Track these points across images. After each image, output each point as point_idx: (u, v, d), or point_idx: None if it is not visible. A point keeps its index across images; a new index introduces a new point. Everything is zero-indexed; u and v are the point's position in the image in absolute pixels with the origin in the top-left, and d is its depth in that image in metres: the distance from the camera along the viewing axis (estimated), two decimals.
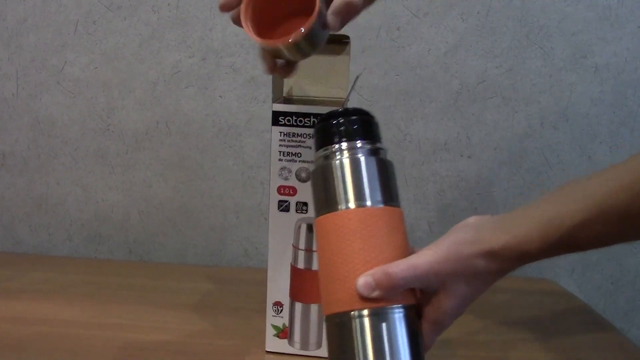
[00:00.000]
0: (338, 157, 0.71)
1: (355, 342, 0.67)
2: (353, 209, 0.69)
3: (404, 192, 1.36)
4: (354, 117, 0.72)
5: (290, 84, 0.95)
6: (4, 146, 1.40)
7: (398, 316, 0.67)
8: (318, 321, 0.95)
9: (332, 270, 0.69)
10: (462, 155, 1.35)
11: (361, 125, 0.72)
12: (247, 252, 1.41)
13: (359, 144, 0.71)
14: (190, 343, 1.00)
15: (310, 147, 0.89)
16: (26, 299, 1.15)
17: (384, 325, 0.67)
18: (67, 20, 1.34)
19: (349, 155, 0.70)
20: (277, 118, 0.89)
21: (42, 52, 1.36)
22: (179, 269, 1.36)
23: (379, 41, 1.32)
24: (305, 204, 0.91)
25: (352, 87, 0.93)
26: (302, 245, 0.92)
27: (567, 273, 1.41)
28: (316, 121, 0.76)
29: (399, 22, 1.31)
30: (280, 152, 0.90)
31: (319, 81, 0.94)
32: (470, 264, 0.67)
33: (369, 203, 0.69)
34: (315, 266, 0.92)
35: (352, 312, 0.67)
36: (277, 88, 0.93)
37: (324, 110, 0.87)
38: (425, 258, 0.66)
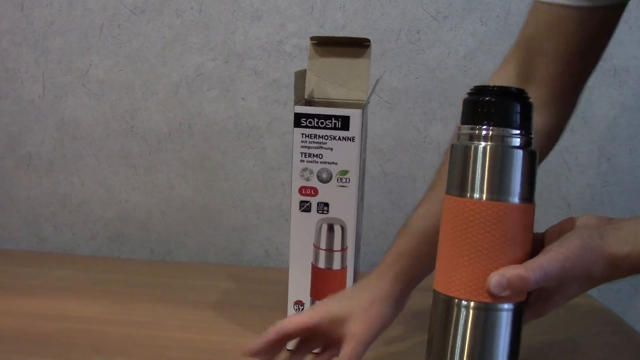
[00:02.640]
0: (484, 142, 0.66)
1: (457, 332, 0.67)
2: (489, 201, 0.66)
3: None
4: (511, 100, 0.67)
5: (312, 86, 0.97)
6: (30, 147, 1.43)
7: (506, 314, 0.67)
8: None
9: (452, 252, 0.68)
10: None
11: (516, 112, 0.67)
12: (268, 253, 1.43)
13: (509, 133, 0.66)
14: (211, 341, 1.02)
15: (331, 149, 0.90)
16: (50, 296, 1.17)
17: (490, 321, 0.67)
18: (93, 24, 1.36)
19: (496, 144, 0.66)
20: (299, 120, 0.91)
21: (67, 55, 1.38)
22: (200, 268, 1.38)
23: (399, 44, 1.33)
24: (327, 204, 0.92)
25: (373, 89, 0.95)
26: (323, 245, 0.93)
27: None
28: (470, 89, 0.70)
29: (418, 26, 1.32)
30: (302, 153, 0.91)
31: (340, 84, 0.96)
32: (591, 269, 0.67)
33: (506, 198, 0.66)
34: (335, 266, 0.94)
35: (462, 301, 0.67)
36: (299, 90, 0.95)
37: (344, 112, 0.89)
38: (556, 263, 0.65)
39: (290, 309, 0.97)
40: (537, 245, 0.70)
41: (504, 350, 0.67)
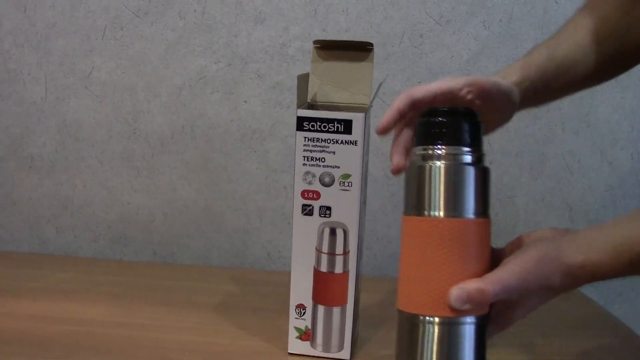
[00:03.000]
0: (437, 162, 0.69)
1: (424, 348, 0.69)
2: (444, 218, 0.68)
3: None
4: (460, 120, 0.70)
5: (315, 89, 0.97)
6: (32, 148, 1.43)
7: (469, 328, 0.68)
8: (340, 324, 0.96)
9: (413, 270, 0.70)
10: None
11: (466, 131, 0.70)
12: (270, 255, 1.43)
13: (461, 151, 0.69)
14: (213, 343, 1.02)
15: (334, 152, 0.90)
16: (52, 298, 1.17)
17: (454, 335, 0.69)
18: (95, 26, 1.36)
19: (448, 162, 0.69)
20: (301, 123, 0.91)
21: (70, 57, 1.38)
22: (202, 271, 1.38)
23: (401, 48, 1.33)
24: (329, 208, 0.92)
25: (376, 93, 0.95)
26: (325, 248, 0.93)
27: None
28: (422, 112, 0.73)
29: (421, 30, 1.32)
30: (304, 156, 0.91)
31: (342, 87, 0.96)
32: (550, 280, 0.68)
33: (462, 214, 0.68)
34: (337, 269, 0.94)
35: (425, 317, 0.69)
36: (301, 94, 0.95)
37: (347, 116, 0.89)
38: (514, 275, 0.67)
39: (292, 312, 0.97)
40: (497, 259, 0.72)
41: None
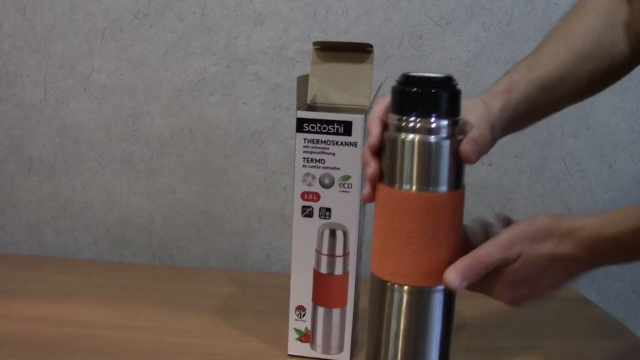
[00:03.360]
0: (412, 134, 0.68)
1: (392, 313, 0.70)
2: (416, 192, 0.68)
3: None
4: (436, 91, 0.67)
5: (314, 91, 0.97)
6: (31, 151, 1.43)
7: (438, 295, 0.70)
8: (340, 325, 0.96)
9: (384, 239, 0.70)
10: (482, 163, 1.36)
11: (442, 101, 0.68)
12: (269, 257, 1.42)
13: (435, 124, 0.67)
14: (213, 346, 1.02)
15: (333, 154, 0.90)
16: (52, 301, 1.17)
17: (423, 303, 0.70)
18: (95, 28, 1.36)
19: (422, 136, 0.67)
20: (301, 125, 0.91)
21: (69, 59, 1.38)
22: (202, 273, 1.38)
23: (401, 50, 1.33)
24: (329, 209, 0.92)
25: (375, 95, 0.95)
26: (324, 250, 0.93)
27: (587, 281, 1.41)
28: (399, 78, 0.70)
29: (421, 31, 1.32)
30: (304, 158, 0.91)
31: (342, 89, 0.96)
32: (547, 247, 0.70)
33: (435, 188, 0.68)
34: (337, 271, 0.94)
35: (394, 285, 0.70)
36: (301, 95, 0.95)
37: (347, 117, 0.89)
38: (501, 248, 0.70)
39: (292, 314, 0.97)
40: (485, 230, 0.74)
41: (437, 330, 0.70)
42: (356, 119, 0.89)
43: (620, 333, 1.13)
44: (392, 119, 0.70)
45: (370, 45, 0.93)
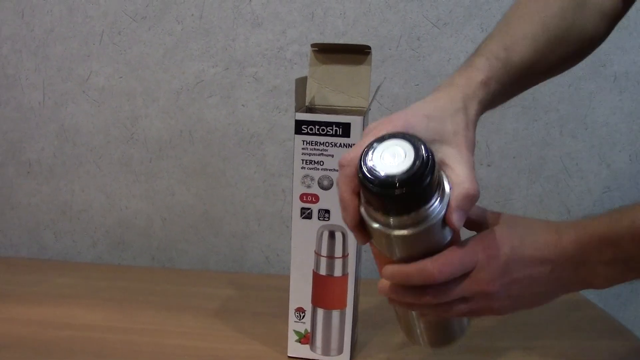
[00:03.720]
0: (396, 231, 0.64)
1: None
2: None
3: None
4: (413, 190, 0.61)
5: (313, 93, 0.97)
6: (30, 154, 1.43)
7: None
8: (339, 326, 0.96)
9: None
10: (481, 164, 1.36)
11: (423, 195, 0.63)
12: (268, 259, 1.43)
13: (420, 214, 0.63)
14: (212, 348, 1.02)
15: (332, 156, 0.90)
16: (51, 304, 1.17)
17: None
18: (93, 31, 1.36)
19: (410, 230, 0.63)
20: (299, 126, 0.91)
21: (68, 62, 1.38)
22: (201, 275, 1.37)
23: (399, 51, 1.33)
24: (328, 211, 0.92)
25: (374, 96, 0.95)
26: (324, 252, 0.93)
27: None
28: (370, 182, 0.62)
29: (419, 32, 1.32)
30: (302, 160, 0.91)
31: (340, 90, 0.96)
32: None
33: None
34: (337, 273, 0.94)
35: None
36: (299, 97, 0.95)
37: (345, 119, 0.89)
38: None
39: (292, 316, 0.97)
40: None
41: None
42: (355, 121, 0.89)
43: (619, 333, 1.13)
44: (372, 214, 0.65)
45: (368, 47, 0.93)
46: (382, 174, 0.61)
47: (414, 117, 0.70)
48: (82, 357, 0.97)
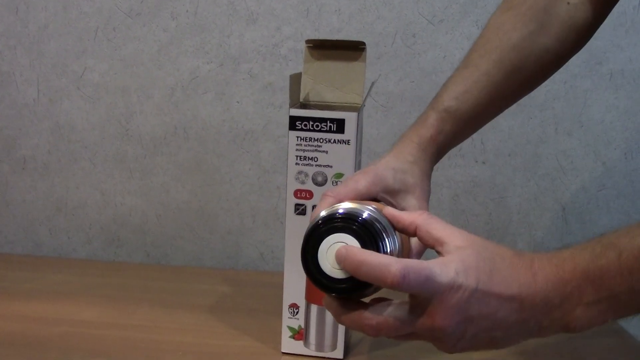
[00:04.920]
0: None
1: None
2: None
3: None
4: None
5: (307, 89, 0.97)
6: (25, 150, 1.43)
7: None
8: (333, 323, 0.96)
9: None
10: (476, 161, 1.36)
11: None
12: (263, 256, 1.42)
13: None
14: (207, 344, 1.02)
15: (326, 152, 0.90)
16: (46, 300, 1.17)
17: None
18: (87, 27, 1.36)
19: None
20: (294, 123, 0.91)
21: (62, 58, 1.38)
22: (195, 272, 1.37)
23: (394, 48, 1.33)
24: None
25: (368, 92, 0.95)
26: None
27: None
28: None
29: (414, 29, 1.32)
30: (297, 156, 0.91)
31: (335, 87, 0.96)
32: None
33: None
34: None
35: None
36: (294, 93, 0.95)
37: (340, 115, 0.89)
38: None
39: (285, 312, 0.97)
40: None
41: None
42: (349, 117, 0.89)
43: (614, 331, 1.13)
44: None
45: (363, 43, 0.93)
46: (332, 277, 0.64)
47: (384, 170, 0.78)
48: (77, 354, 0.97)
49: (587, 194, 1.38)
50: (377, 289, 0.64)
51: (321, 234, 0.64)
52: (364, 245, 0.63)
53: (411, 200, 0.79)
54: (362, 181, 0.75)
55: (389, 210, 0.69)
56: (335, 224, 0.64)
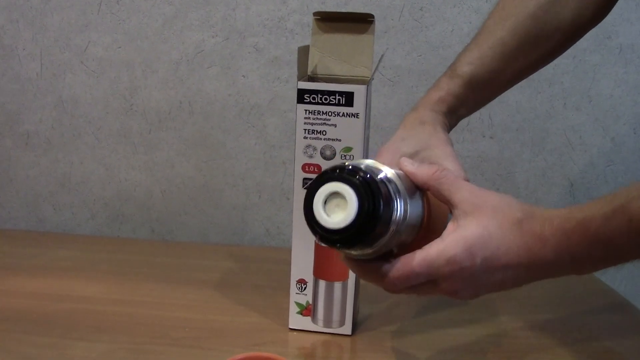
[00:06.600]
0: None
1: None
2: None
3: None
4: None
5: (315, 62, 0.95)
6: (28, 125, 1.41)
7: None
8: (341, 298, 0.95)
9: None
10: (484, 136, 1.35)
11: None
12: (269, 232, 1.42)
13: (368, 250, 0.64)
14: (213, 320, 1.01)
15: (335, 125, 0.89)
16: (50, 276, 1.16)
17: None
18: (91, 0, 1.34)
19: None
20: (302, 96, 0.89)
21: (65, 32, 1.37)
22: (201, 248, 1.37)
23: (402, 21, 1.31)
24: None
25: (377, 66, 0.94)
26: None
27: None
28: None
29: (422, 3, 1.30)
30: (305, 129, 0.90)
31: (343, 60, 0.94)
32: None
33: None
34: None
35: None
36: (302, 66, 0.94)
37: (349, 88, 0.88)
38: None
39: (293, 288, 0.96)
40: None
41: None
42: (358, 90, 0.88)
43: (622, 307, 1.13)
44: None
45: (372, 16, 0.92)
46: (322, 225, 0.61)
47: (394, 143, 0.81)
48: (82, 330, 0.97)
49: (596, 169, 1.37)
50: (382, 241, 0.63)
51: (322, 182, 0.62)
52: (361, 200, 0.59)
53: (433, 152, 0.78)
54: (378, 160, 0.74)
55: (406, 167, 0.70)
56: (339, 174, 0.61)
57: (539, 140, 1.36)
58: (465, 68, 0.85)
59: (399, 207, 0.63)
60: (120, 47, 1.36)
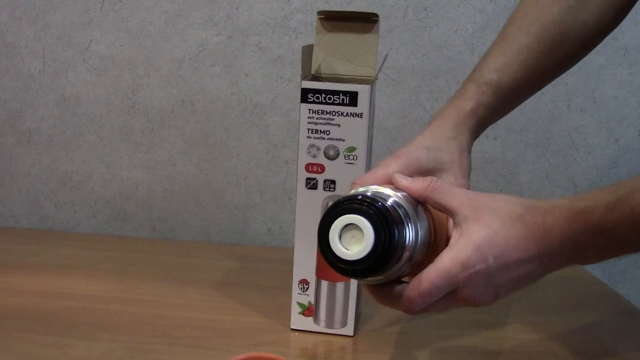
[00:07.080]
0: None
1: None
2: None
3: None
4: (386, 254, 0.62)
5: (319, 61, 0.95)
6: (30, 123, 1.41)
7: None
8: (343, 299, 0.95)
9: None
10: (487, 137, 1.35)
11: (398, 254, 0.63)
12: (271, 231, 1.41)
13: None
14: (214, 320, 1.01)
15: (339, 125, 0.88)
16: (52, 274, 1.16)
17: None
18: None
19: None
20: (306, 95, 0.89)
21: (68, 30, 1.36)
22: (202, 247, 1.37)
23: (405, 21, 1.31)
24: (333, 181, 0.90)
25: (381, 66, 0.93)
26: None
27: None
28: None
29: (426, 2, 1.30)
30: (308, 129, 0.90)
31: (347, 59, 0.94)
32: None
33: None
34: None
35: None
36: (305, 65, 0.93)
37: (353, 88, 0.87)
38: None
39: (295, 288, 0.96)
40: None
41: None
42: (362, 89, 0.88)
43: (624, 309, 1.13)
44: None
45: (376, 15, 0.91)
46: (340, 258, 0.63)
47: (416, 150, 0.78)
48: (83, 328, 0.96)
49: (599, 171, 1.37)
50: (397, 266, 0.64)
51: (336, 214, 0.63)
52: (377, 230, 0.61)
53: (448, 178, 0.78)
54: (392, 165, 0.74)
55: (400, 183, 0.69)
56: (352, 206, 0.63)
57: (542, 141, 1.35)
58: (493, 75, 0.84)
59: (411, 231, 0.64)
60: (122, 45, 1.36)
